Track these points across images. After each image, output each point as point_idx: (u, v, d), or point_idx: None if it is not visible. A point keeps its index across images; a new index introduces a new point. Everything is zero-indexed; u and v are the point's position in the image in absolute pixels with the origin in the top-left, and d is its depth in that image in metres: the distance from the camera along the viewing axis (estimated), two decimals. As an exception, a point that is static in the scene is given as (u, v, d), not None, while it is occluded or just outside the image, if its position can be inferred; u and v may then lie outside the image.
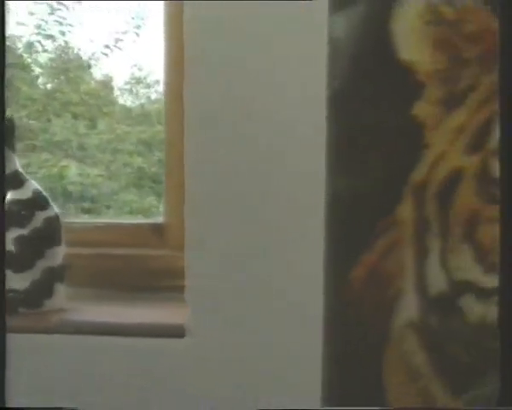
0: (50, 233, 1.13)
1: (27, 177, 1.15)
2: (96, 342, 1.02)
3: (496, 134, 0.87)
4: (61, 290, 1.13)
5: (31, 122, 1.56)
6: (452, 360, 0.90)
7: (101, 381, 0.98)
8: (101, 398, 0.97)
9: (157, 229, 1.26)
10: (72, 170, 1.58)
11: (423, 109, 0.90)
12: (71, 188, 1.57)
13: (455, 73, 0.89)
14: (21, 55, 1.61)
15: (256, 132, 0.97)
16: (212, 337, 0.97)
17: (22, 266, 1.10)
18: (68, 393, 0.98)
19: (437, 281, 0.90)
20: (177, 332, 1.00)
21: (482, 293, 0.89)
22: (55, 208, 1.15)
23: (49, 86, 1.70)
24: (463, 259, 0.89)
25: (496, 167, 0.87)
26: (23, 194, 1.13)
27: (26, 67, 1.63)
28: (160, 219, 1.29)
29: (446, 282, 0.90)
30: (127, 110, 1.72)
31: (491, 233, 0.88)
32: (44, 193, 1.15)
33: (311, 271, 0.93)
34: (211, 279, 0.98)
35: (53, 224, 1.13)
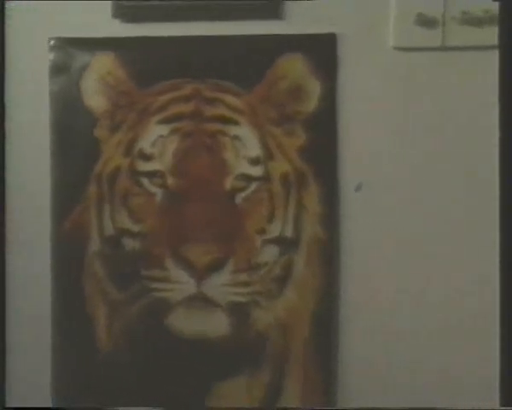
0: None
1: None
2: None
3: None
4: None
5: None
6: (122, 269, 1.59)
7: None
8: None
9: None
10: None
11: (99, 132, 1.58)
12: None
13: (113, 113, 1.58)
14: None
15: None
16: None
17: None
18: None
19: (108, 228, 1.60)
20: None
21: (132, 236, 1.58)
22: None
23: None
24: (121, 216, 1.59)
25: (139, 166, 1.57)
26: None
27: None
28: None
29: (113, 229, 1.59)
30: None
31: (139, 201, 1.57)
32: None
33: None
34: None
35: None
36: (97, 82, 1.58)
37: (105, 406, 1.58)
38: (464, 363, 1.53)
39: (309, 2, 1.51)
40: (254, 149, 1.54)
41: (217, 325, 1.57)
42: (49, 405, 1.63)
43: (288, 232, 1.54)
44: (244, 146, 1.54)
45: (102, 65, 1.58)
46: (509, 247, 1.32)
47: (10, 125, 1.62)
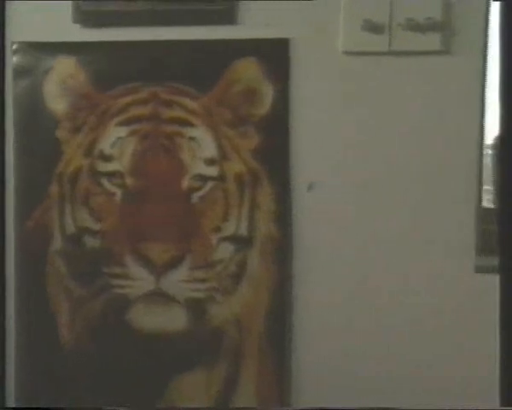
0: None
1: None
2: None
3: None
4: None
5: None
6: (83, 267, 1.65)
7: None
8: None
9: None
10: None
11: (61, 133, 1.64)
12: None
13: (74, 115, 1.63)
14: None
15: None
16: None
17: None
18: None
19: (70, 227, 1.65)
20: None
21: (93, 234, 1.63)
22: None
23: None
24: (82, 215, 1.64)
25: (99, 166, 1.61)
26: None
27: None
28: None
29: (75, 228, 1.65)
30: None
31: (100, 201, 1.62)
32: None
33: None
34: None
35: None
36: (59, 85, 1.63)
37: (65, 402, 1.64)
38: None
39: (262, 8, 1.56)
40: (210, 150, 1.59)
41: (175, 320, 1.63)
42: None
43: (243, 230, 1.60)
44: (200, 147, 1.59)
45: (64, 69, 1.63)
46: (509, 247, 1.30)
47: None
